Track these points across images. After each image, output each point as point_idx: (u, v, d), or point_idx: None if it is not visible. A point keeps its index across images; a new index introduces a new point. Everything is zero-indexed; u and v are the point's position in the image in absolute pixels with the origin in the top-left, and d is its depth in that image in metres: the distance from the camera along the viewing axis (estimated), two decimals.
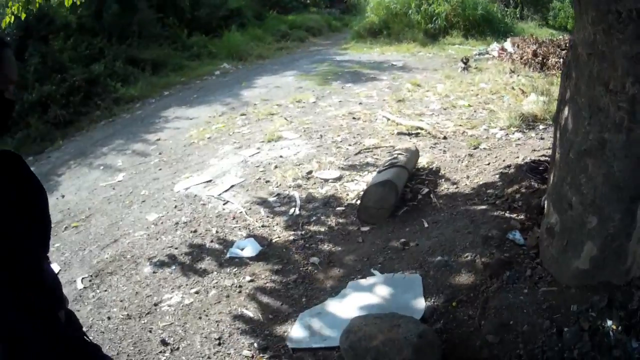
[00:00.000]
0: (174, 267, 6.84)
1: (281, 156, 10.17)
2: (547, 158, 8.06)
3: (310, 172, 9.30)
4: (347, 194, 8.45)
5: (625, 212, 4.63)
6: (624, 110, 4.23)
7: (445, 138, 10.45)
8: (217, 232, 7.63)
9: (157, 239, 7.62)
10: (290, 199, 8.44)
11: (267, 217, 7.94)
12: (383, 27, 24.36)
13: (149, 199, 9.19)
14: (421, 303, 5.47)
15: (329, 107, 13.41)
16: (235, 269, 6.61)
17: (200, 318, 5.74)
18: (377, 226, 7.39)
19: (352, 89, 15.29)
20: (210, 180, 9.45)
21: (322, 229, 7.51)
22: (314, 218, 7.83)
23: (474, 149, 9.94)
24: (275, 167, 9.73)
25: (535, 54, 15.61)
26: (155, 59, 19.26)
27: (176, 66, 19.63)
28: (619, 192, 4.57)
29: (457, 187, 8.39)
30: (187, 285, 6.42)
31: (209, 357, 5.19)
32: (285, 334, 5.34)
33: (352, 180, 8.93)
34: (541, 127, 10.84)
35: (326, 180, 8.97)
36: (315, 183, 8.94)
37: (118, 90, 16.66)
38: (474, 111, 12.17)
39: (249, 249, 6.92)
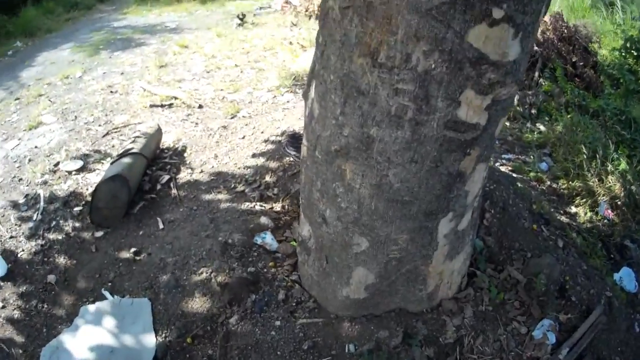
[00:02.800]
0: None
1: (36, 146, 9.00)
2: None
3: (57, 164, 8.18)
4: (87, 189, 7.38)
5: (418, 231, 3.61)
6: (407, 95, 2.91)
7: (200, 107, 9.41)
8: None
9: None
10: (37, 200, 7.37)
11: (15, 225, 6.93)
12: None
13: None
14: (151, 339, 4.64)
15: (91, 81, 11.99)
16: None
17: None
18: (112, 229, 6.48)
19: (119, 57, 13.39)
20: None
21: (60, 237, 6.55)
22: (54, 223, 6.83)
23: (231, 118, 8.78)
24: (29, 160, 8.56)
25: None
26: None
27: None
28: (403, 207, 3.43)
29: (201, 172, 7.23)
30: None
31: None
32: None
33: (94, 171, 7.85)
34: None
35: (70, 173, 7.87)
36: (60, 177, 7.84)
37: None
38: (241, 72, 11.03)
39: None
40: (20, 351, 4.96)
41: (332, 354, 4.14)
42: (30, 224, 6.91)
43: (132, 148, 7.06)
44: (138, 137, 7.39)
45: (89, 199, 6.94)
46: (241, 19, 14.30)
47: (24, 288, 5.90)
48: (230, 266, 4.91)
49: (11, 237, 6.75)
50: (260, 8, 16.53)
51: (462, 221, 3.73)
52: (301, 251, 4.42)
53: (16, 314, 5.54)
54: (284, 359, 4.05)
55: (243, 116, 8.45)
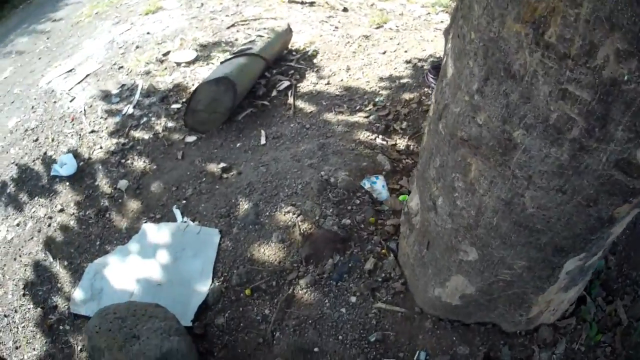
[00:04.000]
0: (6, 194, 5.68)
1: (148, 32, 8.01)
2: None
3: (167, 54, 7.13)
4: (193, 84, 6.33)
5: (540, 262, 2.78)
6: (578, 105, 1.91)
7: (345, 10, 8.06)
8: (52, 140, 6.14)
9: (7, 152, 6.31)
10: (132, 92, 6.49)
11: (101, 118, 6.17)
12: None
13: (17, 99, 7.57)
14: (207, 281, 4.01)
15: None
16: (52, 195, 5.37)
17: (15, 259, 4.85)
18: (206, 136, 5.52)
19: None
20: (71, 70, 7.58)
21: (147, 137, 5.71)
22: (144, 120, 5.97)
23: (376, 27, 7.36)
24: (137, 47, 7.60)
25: None
26: None
27: None
28: (531, 235, 2.58)
29: (327, 83, 6.00)
30: (12, 215, 5.37)
31: (15, 311, 4.44)
32: (73, 290, 4.32)
33: (207, 64, 6.72)
34: None
35: (178, 64, 6.82)
36: (166, 68, 6.81)
37: None
38: None
39: (67, 167, 5.51)
40: (65, 263, 4.58)
41: (398, 356, 3.28)
42: (117, 118, 6.04)
43: (250, 47, 5.97)
44: (261, 35, 6.29)
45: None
46: None
47: (89, 192, 5.21)
48: (323, 212, 4.09)
49: (92, 131, 5.98)
50: None
51: (593, 259, 2.96)
52: (405, 222, 3.60)
53: (72, 220, 4.92)
54: (344, 347, 3.38)
55: (390, 28, 7.29)
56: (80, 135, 5.99)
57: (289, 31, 6.62)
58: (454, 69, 2.44)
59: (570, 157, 2.10)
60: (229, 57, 5.83)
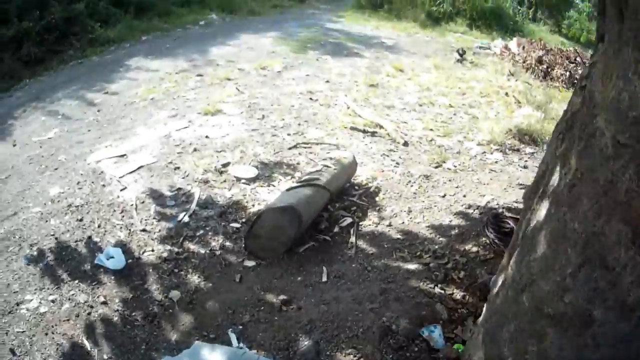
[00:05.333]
0: (43, 264, 5.55)
1: (207, 136, 8.12)
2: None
3: (226, 165, 7.26)
4: (253, 205, 6.45)
5: None
6: None
7: (406, 144, 8.27)
8: (99, 226, 6.09)
9: (47, 221, 6.22)
10: (188, 199, 6.54)
11: (154, 218, 6.19)
12: (385, 0, 20.49)
13: (61, 167, 7.60)
14: None
15: (291, 81, 11.08)
16: (94, 283, 5.27)
17: (47, 334, 4.71)
18: (266, 263, 5.56)
19: (327, 62, 12.75)
20: (123, 155, 7.66)
21: (203, 251, 5.71)
22: (201, 232, 5.99)
23: (435, 167, 7.62)
24: (195, 150, 7.70)
25: (540, 61, 13.24)
26: (142, 2, 16.51)
27: (162, 11, 16.87)
28: None
29: (389, 225, 6.15)
30: (48, 289, 5.24)
31: None
32: None
33: (268, 185, 6.87)
34: (528, 150, 8.45)
35: (238, 180, 6.94)
36: (225, 181, 6.94)
37: (96, 31, 14.37)
38: (454, 114, 9.92)
39: (114, 261, 5.42)
40: (105, 357, 4.49)
41: None
42: (171, 224, 6.09)
43: (317, 178, 6.12)
44: (327, 166, 6.44)
45: (252, 217, 6.04)
46: (461, 55, 13.58)
47: (137, 293, 5.21)
48: (383, 358, 4.19)
49: (144, 230, 6.01)
50: (480, 47, 15.56)
51: None
52: None
53: (116, 317, 4.92)
54: None
55: (448, 168, 7.57)
56: (130, 230, 5.99)
57: (354, 164, 6.84)
58: (549, 250, 2.74)
59: (634, 327, 2.44)
60: (295, 185, 5.99)
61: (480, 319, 3.81)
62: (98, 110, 9.82)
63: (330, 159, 6.65)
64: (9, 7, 13.29)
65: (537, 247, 2.87)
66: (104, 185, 6.86)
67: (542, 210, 2.94)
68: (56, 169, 7.55)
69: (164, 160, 7.42)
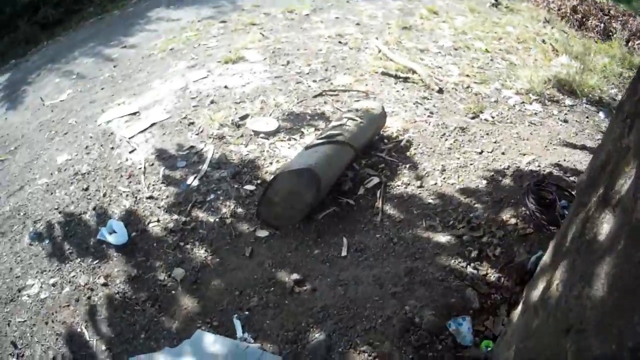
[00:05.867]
0: (46, 242, 5.31)
1: (226, 86, 7.49)
2: (569, 177, 5.24)
3: (245, 117, 6.65)
4: (271, 163, 5.84)
5: None
6: None
7: (440, 91, 7.51)
8: (104, 195, 5.73)
9: (52, 194, 5.97)
10: (200, 158, 5.96)
11: (162, 183, 5.69)
12: None
13: (71, 131, 7.26)
14: None
15: (319, 24, 10.32)
16: (96, 262, 4.94)
17: (47, 323, 4.49)
18: (280, 234, 5.00)
19: (357, 4, 11.77)
20: (136, 113, 7.19)
21: (212, 219, 5.19)
22: (211, 197, 5.45)
23: (472, 117, 6.86)
24: (212, 102, 7.10)
25: (575, 10, 12.46)
26: None
27: None
28: None
29: (420, 186, 5.45)
30: (49, 271, 4.98)
31: None
32: None
33: (289, 140, 6.24)
34: (567, 102, 7.65)
35: (257, 134, 6.32)
36: (242, 135, 6.31)
37: None
38: (491, 59, 9.09)
39: (117, 236, 5.04)
40: (103, 347, 4.20)
41: None
42: (180, 189, 5.55)
43: (340, 133, 5.40)
44: (353, 117, 5.68)
45: (269, 177, 5.44)
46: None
47: (139, 271, 4.75)
48: (402, 358, 3.65)
49: (150, 197, 5.51)
50: None
51: None
52: None
53: (117, 300, 4.50)
54: None
55: (486, 119, 6.86)
56: (136, 198, 5.56)
57: (383, 116, 6.11)
58: (612, 293, 2.03)
59: None
60: (316, 142, 5.30)
61: (513, 318, 3.36)
62: (114, 66, 9.45)
63: (357, 110, 5.91)
64: None
65: (595, 280, 2.13)
66: (112, 148, 6.46)
67: (605, 226, 2.18)
68: (66, 133, 7.26)
69: (178, 115, 6.87)
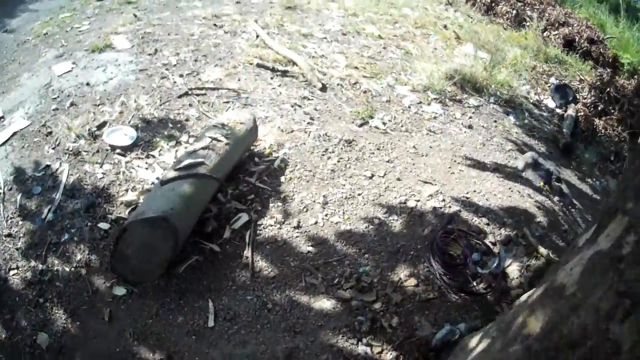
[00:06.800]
0: None
1: (88, 83, 6.75)
2: (481, 218, 4.88)
3: (102, 125, 6.00)
4: (127, 190, 5.25)
5: None
6: None
7: (324, 88, 6.92)
8: None
9: None
10: (55, 182, 5.33)
11: (19, 216, 5.04)
12: None
13: None
14: None
15: (196, 1, 9.68)
16: None
17: None
18: (139, 291, 4.45)
19: None
20: (0, 118, 6.45)
21: (67, 269, 4.61)
22: (65, 237, 4.81)
23: (361, 124, 6.34)
24: (72, 104, 6.38)
25: None
26: None
27: None
28: None
29: (297, 225, 4.92)
30: None
31: None
32: None
33: (147, 157, 5.64)
34: (472, 101, 7.25)
35: (113, 149, 5.69)
36: (98, 151, 5.65)
37: None
38: (384, 48, 8.49)
39: None
40: None
41: None
42: (36, 225, 4.93)
43: (201, 162, 4.76)
44: (218, 137, 5.05)
45: (123, 213, 5.00)
46: None
47: (8, 333, 4.24)
48: None
49: (9, 234, 4.89)
50: None
51: None
52: None
53: None
54: None
55: (376, 127, 6.32)
56: None
57: (254, 131, 5.52)
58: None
59: None
60: (173, 174, 4.64)
61: None
62: None
63: (223, 125, 5.27)
64: None
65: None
66: None
67: None
68: None
69: (38, 122, 6.19)
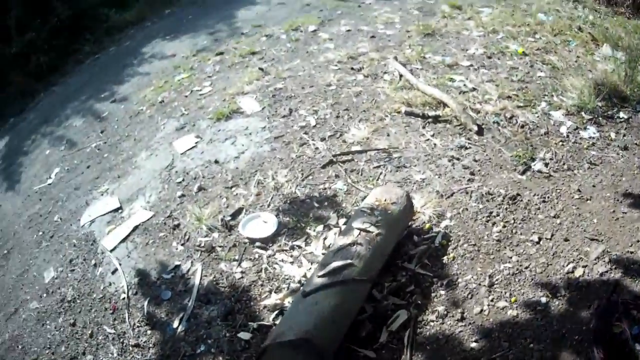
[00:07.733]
0: None
1: (217, 161, 6.29)
2: None
3: (237, 213, 5.42)
4: (270, 291, 4.59)
5: None
6: None
7: (480, 131, 6.02)
8: (91, 335, 4.66)
9: (43, 325, 4.96)
10: (187, 285, 4.77)
11: (146, 324, 4.55)
12: None
13: (56, 233, 6.16)
14: None
15: (327, 43, 9.00)
16: None
17: None
18: None
19: (371, 8, 10.39)
20: (118, 209, 6.04)
21: None
22: (202, 348, 4.22)
23: (523, 171, 5.41)
24: (200, 188, 5.87)
25: None
26: None
27: None
28: None
29: (461, 317, 4.05)
30: None
31: None
32: None
33: (291, 249, 4.93)
34: (621, 115, 6.15)
35: (252, 242, 5.04)
36: (235, 245, 5.03)
37: (111, 18, 12.87)
38: (531, 66, 7.47)
39: None
40: None
41: None
42: (166, 335, 4.40)
43: (350, 264, 3.98)
44: (366, 228, 4.24)
45: (267, 321, 4.40)
46: None
47: None
48: None
49: (137, 345, 4.44)
50: None
51: None
52: None
53: None
54: None
55: (539, 171, 5.42)
56: (122, 344, 4.45)
57: (408, 209, 4.64)
58: None
59: None
60: (318, 283, 3.90)
61: None
62: (101, 132, 8.20)
63: (372, 210, 4.44)
64: (8, 22, 11.87)
65: None
66: (95, 265, 5.37)
67: None
68: (52, 236, 6.16)
69: (162, 213, 5.70)
